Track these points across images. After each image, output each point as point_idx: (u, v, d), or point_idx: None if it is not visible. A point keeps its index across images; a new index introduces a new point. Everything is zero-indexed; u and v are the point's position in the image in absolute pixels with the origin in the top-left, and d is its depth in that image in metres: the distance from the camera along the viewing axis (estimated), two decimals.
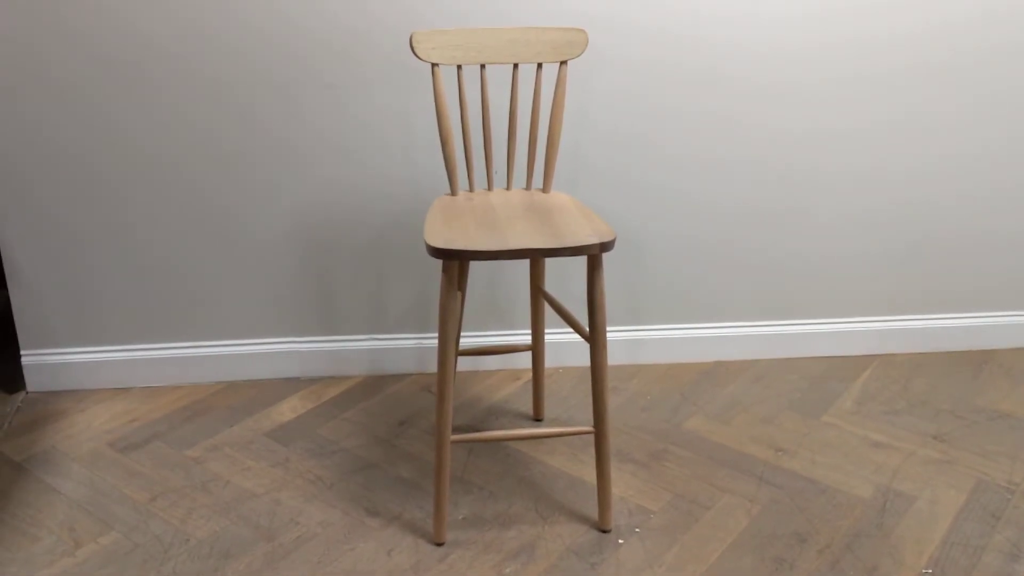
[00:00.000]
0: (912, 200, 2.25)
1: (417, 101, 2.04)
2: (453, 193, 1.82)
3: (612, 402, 2.15)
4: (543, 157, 2.11)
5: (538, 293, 1.91)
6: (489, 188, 1.86)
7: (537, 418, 2.08)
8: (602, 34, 2.02)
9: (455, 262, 1.54)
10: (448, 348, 1.58)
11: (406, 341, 2.26)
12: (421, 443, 1.99)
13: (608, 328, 2.30)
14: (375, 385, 2.24)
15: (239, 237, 2.12)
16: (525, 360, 2.30)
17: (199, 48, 1.95)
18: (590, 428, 1.66)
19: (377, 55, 1.99)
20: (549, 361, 2.30)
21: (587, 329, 1.64)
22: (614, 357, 2.31)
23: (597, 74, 2.05)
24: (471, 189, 1.84)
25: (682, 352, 2.34)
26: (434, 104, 1.93)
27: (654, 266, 2.26)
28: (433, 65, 1.74)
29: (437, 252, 1.51)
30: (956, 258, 2.33)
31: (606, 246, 1.54)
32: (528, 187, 1.86)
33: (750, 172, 2.19)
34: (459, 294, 1.59)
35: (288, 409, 2.12)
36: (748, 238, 2.25)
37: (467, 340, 2.27)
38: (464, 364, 2.29)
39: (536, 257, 1.65)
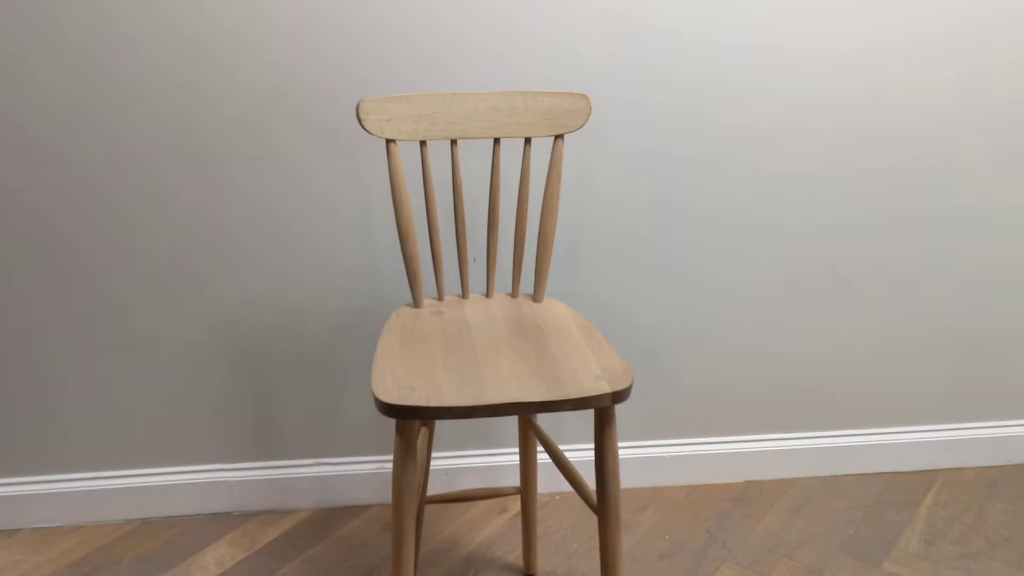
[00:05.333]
0: (977, 285, 1.85)
1: (375, 174, 1.61)
2: (416, 304, 1.40)
3: (622, 545, 1.72)
4: (533, 256, 1.64)
5: (527, 426, 1.49)
6: (464, 295, 1.43)
7: (528, 573, 1.65)
8: (607, 100, 1.60)
9: (413, 421, 1.12)
10: (405, 527, 1.16)
11: (363, 466, 1.82)
12: None
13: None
14: (325, 522, 1.80)
15: (153, 343, 1.69)
16: (513, 478, 1.87)
17: (98, 106, 1.52)
18: None
19: (330, 116, 1.57)
20: (543, 486, 1.87)
21: (594, 497, 1.22)
22: (624, 480, 1.88)
23: (600, 147, 1.63)
24: (440, 297, 1.42)
25: (705, 471, 1.91)
26: (390, 190, 1.38)
27: (670, 368, 1.83)
28: (388, 141, 1.32)
29: (388, 409, 1.09)
30: None
31: (620, 396, 1.12)
32: (514, 293, 1.44)
33: (783, 256, 1.77)
34: (416, 464, 1.16)
35: (213, 561, 1.68)
36: (782, 331, 1.83)
37: (441, 463, 1.84)
38: (436, 488, 1.86)
39: (526, 413, 1.22)
